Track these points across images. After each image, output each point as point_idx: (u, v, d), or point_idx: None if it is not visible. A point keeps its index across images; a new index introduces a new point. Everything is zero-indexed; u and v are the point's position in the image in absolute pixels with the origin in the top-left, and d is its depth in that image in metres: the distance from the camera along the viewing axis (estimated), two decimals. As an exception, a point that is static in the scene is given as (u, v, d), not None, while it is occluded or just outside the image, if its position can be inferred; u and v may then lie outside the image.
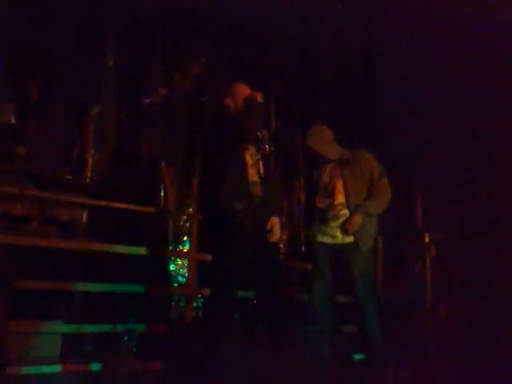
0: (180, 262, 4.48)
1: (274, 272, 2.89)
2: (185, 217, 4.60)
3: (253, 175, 2.92)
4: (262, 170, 2.96)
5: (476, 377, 3.15)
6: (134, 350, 3.21)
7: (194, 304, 4.04)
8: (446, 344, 3.79)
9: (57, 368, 3.07)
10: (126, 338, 3.21)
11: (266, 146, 3.12)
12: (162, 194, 4.59)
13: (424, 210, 5.02)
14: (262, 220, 2.89)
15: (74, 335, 3.55)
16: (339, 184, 3.25)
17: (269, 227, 2.86)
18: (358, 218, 3.16)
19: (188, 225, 4.52)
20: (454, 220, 4.59)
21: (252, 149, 2.97)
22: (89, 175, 4.22)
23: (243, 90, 3.01)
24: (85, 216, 3.82)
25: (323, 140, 3.30)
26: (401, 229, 4.48)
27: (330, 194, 3.26)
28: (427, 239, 4.09)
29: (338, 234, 3.21)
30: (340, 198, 3.23)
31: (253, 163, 2.94)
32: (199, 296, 4.08)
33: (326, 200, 3.26)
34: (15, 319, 3.09)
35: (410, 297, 4.33)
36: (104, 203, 3.65)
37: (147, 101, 4.68)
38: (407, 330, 4.01)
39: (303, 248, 5.43)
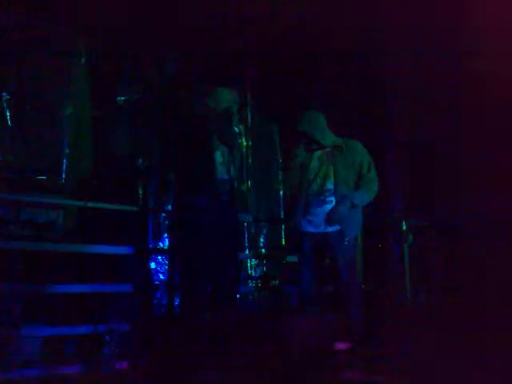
0: (161, 260, 4.46)
1: (229, 268, 3.09)
2: (164, 214, 4.58)
3: (222, 173, 3.07)
4: (233, 170, 3.11)
5: (455, 365, 3.20)
6: (116, 349, 3.19)
7: (176, 301, 4.03)
8: (426, 331, 3.84)
9: (38, 371, 3.05)
10: (107, 338, 3.19)
11: (243, 141, 3.23)
12: (140, 191, 4.56)
13: (401, 197, 5.06)
14: (229, 216, 3.08)
15: (54, 338, 3.52)
16: (329, 170, 3.26)
17: None
18: (342, 209, 3.18)
19: (167, 222, 4.50)
20: (431, 207, 4.64)
21: (225, 149, 3.13)
22: (64, 175, 4.17)
23: (226, 97, 3.21)
24: (61, 217, 3.78)
25: (317, 125, 3.30)
26: (378, 217, 4.52)
27: (319, 179, 3.27)
28: (404, 227, 4.13)
29: (322, 222, 3.23)
30: (328, 185, 3.25)
31: (224, 161, 3.08)
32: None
33: (313, 185, 3.27)
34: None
35: (389, 284, 4.38)
36: (81, 203, 3.62)
37: (122, 98, 4.64)
38: (387, 317, 4.06)
39: (283, 241, 5.45)
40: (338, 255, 3.19)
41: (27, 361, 3.23)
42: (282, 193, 5.46)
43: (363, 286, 4.24)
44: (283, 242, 5.43)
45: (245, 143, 5.38)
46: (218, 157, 3.09)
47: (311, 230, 3.26)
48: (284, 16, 5.36)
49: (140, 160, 4.56)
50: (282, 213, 5.46)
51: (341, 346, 3.25)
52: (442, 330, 3.67)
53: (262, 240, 5.32)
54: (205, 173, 3.03)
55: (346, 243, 3.18)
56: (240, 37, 5.30)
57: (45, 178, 3.96)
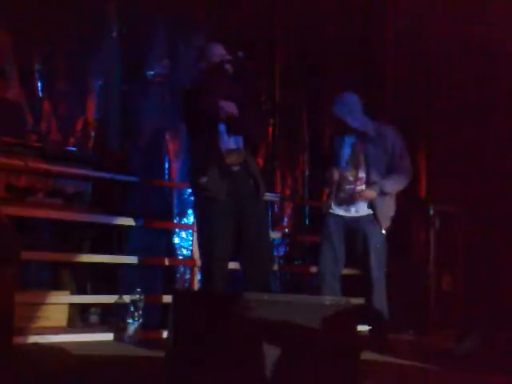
0: (184, 235, 4.49)
1: (260, 242, 2.82)
2: (189, 190, 4.60)
3: (227, 142, 2.77)
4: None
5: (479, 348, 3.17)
6: (140, 320, 3.25)
7: (199, 276, 4.07)
8: (449, 316, 3.82)
9: (63, 338, 3.12)
10: (131, 308, 3.25)
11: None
12: (166, 166, 4.58)
13: (428, 181, 4.99)
14: (243, 186, 2.81)
15: (80, 306, 3.59)
16: (361, 158, 3.19)
17: None
18: (371, 193, 3.12)
19: (192, 198, 4.51)
20: (459, 192, 4.56)
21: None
22: (93, 147, 4.21)
23: (218, 52, 2.82)
24: (89, 188, 3.82)
25: (350, 108, 3.20)
26: (405, 201, 4.46)
27: (351, 167, 3.20)
28: (431, 211, 4.07)
29: (353, 207, 3.18)
30: (360, 173, 3.18)
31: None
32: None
33: (345, 173, 3.21)
34: (22, 290, 3.13)
35: (413, 269, 4.34)
36: (108, 175, 3.65)
37: (151, 72, 4.63)
38: (411, 301, 4.03)
39: (307, 221, 5.43)
40: (369, 240, 3.14)
41: (54, 326, 3.32)
42: (307, 173, 5.43)
43: (386, 270, 4.21)
44: (307, 222, 5.42)
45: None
46: (221, 125, 2.75)
47: (341, 213, 3.22)
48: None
49: (167, 135, 4.57)
50: (308, 193, 5.44)
51: (362, 329, 3.25)
52: (466, 316, 3.64)
53: (285, 219, 5.31)
54: (209, 145, 2.72)
55: (377, 229, 3.14)
56: (271, 11, 5.24)
57: (74, 149, 4.01)
